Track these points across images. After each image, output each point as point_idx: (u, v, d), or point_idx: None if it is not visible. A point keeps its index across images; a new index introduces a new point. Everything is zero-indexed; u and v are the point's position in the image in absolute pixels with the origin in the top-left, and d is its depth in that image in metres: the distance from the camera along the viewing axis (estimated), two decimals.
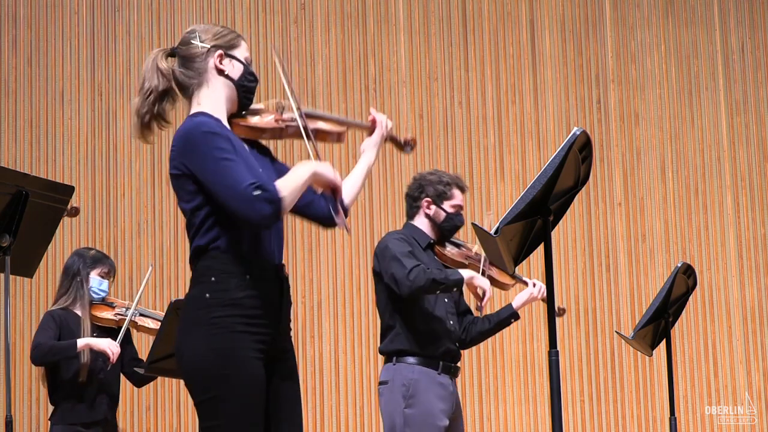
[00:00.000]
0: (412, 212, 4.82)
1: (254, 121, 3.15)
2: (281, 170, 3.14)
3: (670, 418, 5.01)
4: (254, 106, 3.21)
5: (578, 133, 3.13)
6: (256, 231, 2.99)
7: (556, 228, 3.39)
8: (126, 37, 7.17)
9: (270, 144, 3.30)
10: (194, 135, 2.94)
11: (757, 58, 8.03)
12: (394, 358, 4.59)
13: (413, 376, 4.53)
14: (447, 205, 4.73)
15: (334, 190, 3.04)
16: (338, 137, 3.32)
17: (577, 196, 3.32)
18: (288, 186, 2.93)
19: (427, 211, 4.75)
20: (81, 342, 4.90)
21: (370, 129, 3.39)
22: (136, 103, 3.07)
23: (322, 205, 3.20)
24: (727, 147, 7.85)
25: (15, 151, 6.94)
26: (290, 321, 3.13)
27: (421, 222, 4.78)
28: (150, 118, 3.06)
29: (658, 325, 5.01)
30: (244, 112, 3.17)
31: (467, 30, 7.63)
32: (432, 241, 4.75)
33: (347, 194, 3.23)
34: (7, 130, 6.96)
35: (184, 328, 2.99)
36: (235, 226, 2.96)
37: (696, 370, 7.53)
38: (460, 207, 4.76)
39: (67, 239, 6.85)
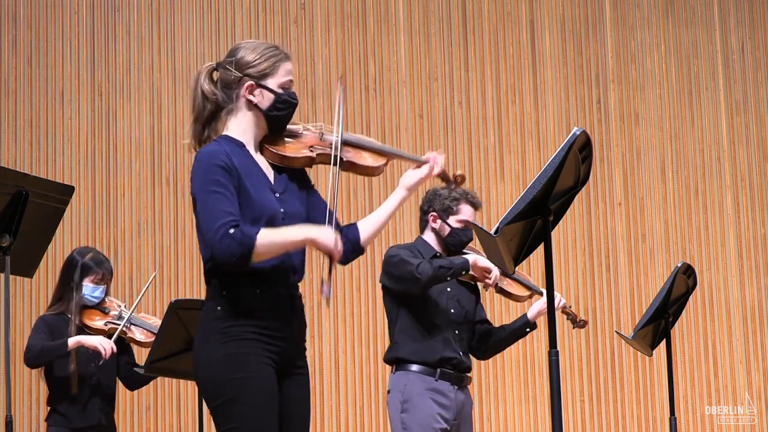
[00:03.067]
0: (422, 226, 4.83)
1: (284, 148, 3.17)
2: (315, 201, 3.21)
3: (670, 418, 5.00)
4: (295, 127, 3.22)
5: (578, 133, 3.12)
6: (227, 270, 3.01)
7: (556, 228, 3.39)
8: (126, 37, 7.17)
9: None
10: (200, 163, 3.04)
11: (757, 58, 8.02)
12: (395, 367, 4.65)
13: (408, 381, 4.57)
14: (452, 220, 4.70)
15: (330, 257, 3.02)
16: (375, 171, 3.24)
17: (577, 196, 3.32)
18: (270, 238, 2.97)
19: (434, 225, 4.74)
20: (72, 340, 4.86)
21: (418, 165, 3.29)
22: (193, 129, 3.19)
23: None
24: (727, 147, 7.84)
25: (15, 151, 6.94)
26: (304, 340, 3.18)
27: (428, 236, 4.78)
28: (208, 140, 3.18)
29: (658, 325, 5.01)
30: (284, 135, 3.19)
31: (467, 30, 7.62)
32: (437, 254, 4.73)
33: (365, 231, 3.28)
34: (7, 130, 6.96)
35: (199, 339, 3.09)
36: None
37: (696, 370, 7.53)
38: (468, 223, 4.71)
39: (67, 239, 6.85)
